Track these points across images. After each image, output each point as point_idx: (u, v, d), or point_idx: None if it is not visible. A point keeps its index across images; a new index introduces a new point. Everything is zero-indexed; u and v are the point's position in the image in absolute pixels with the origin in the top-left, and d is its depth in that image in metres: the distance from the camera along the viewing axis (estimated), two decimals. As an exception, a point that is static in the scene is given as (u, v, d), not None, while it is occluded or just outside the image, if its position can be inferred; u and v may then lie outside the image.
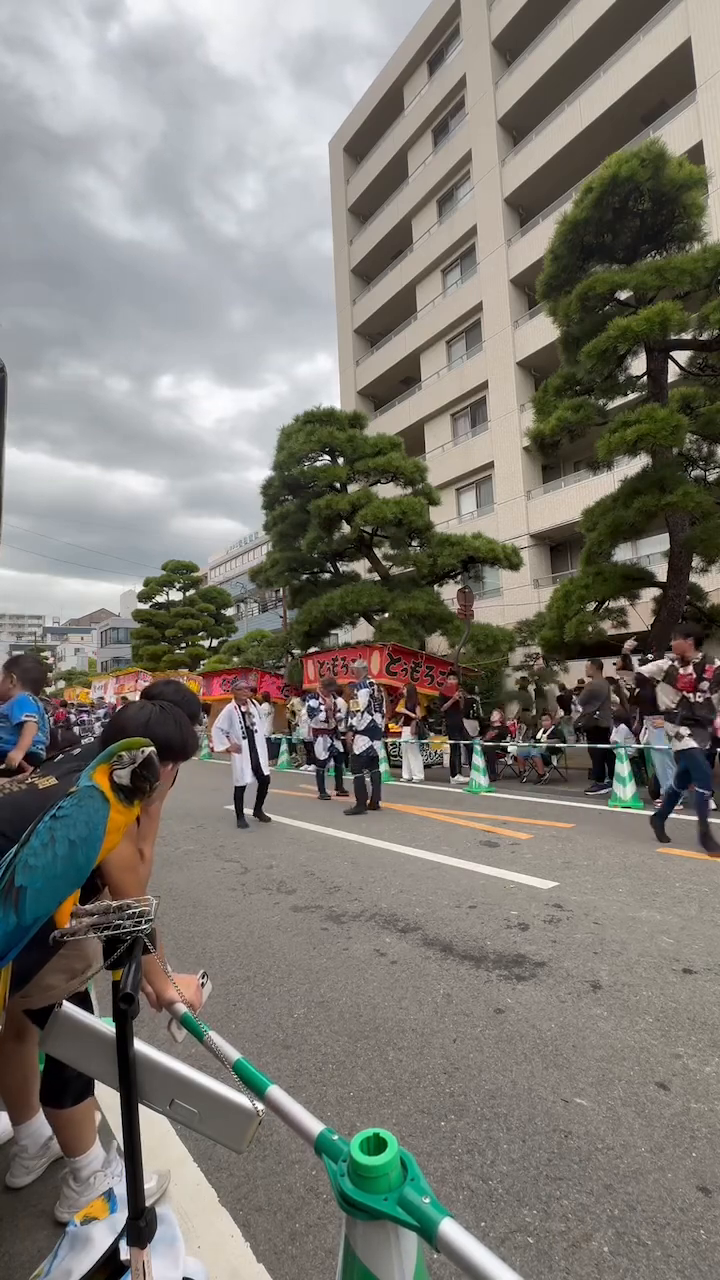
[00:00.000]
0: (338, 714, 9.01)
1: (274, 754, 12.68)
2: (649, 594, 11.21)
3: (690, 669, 5.44)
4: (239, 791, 7.18)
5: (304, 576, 18.47)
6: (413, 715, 11.03)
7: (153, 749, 1.31)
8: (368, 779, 7.70)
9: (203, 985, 1.64)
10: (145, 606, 33.96)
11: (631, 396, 11.16)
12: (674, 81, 16.64)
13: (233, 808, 7.27)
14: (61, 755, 1.74)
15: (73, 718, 18.86)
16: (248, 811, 7.23)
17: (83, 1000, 1.67)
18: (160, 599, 33.69)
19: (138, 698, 1.87)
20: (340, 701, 9.10)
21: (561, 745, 10.22)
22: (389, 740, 10.94)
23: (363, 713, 7.89)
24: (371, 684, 8.28)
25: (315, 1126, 0.98)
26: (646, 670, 5.88)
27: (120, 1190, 1.40)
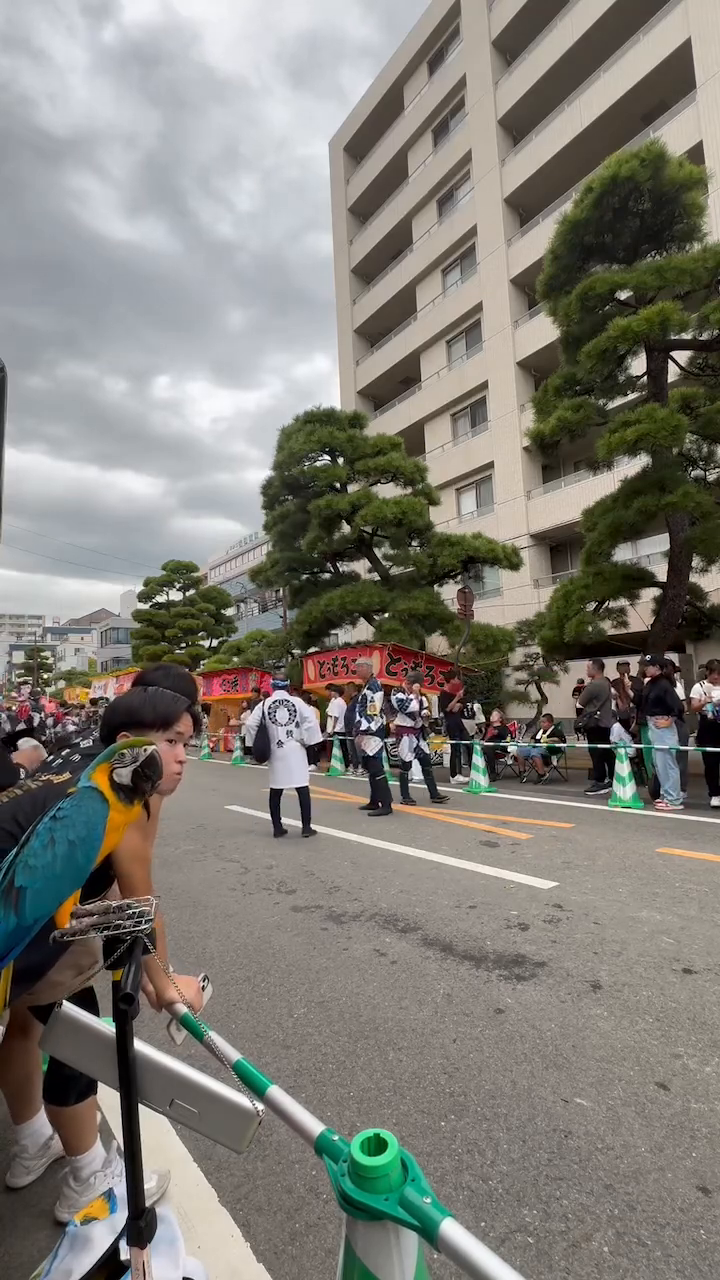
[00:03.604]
0: (424, 710, 8.68)
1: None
2: (649, 594, 11.20)
3: None
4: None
5: (304, 576, 18.47)
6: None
7: (155, 748, 1.31)
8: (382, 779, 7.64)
9: (203, 988, 1.63)
10: (145, 607, 33.97)
11: (631, 396, 11.16)
12: (674, 81, 16.64)
13: (238, 809, 7.11)
14: (64, 753, 1.74)
15: (76, 718, 18.92)
16: (291, 822, 6.73)
17: (88, 998, 1.67)
18: (160, 599, 33.70)
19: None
20: (421, 699, 8.92)
21: (561, 745, 10.23)
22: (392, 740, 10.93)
23: (379, 714, 7.84)
24: (380, 685, 8.25)
25: (316, 1127, 0.98)
26: None
27: (120, 1190, 1.40)
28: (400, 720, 8.57)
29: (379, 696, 7.89)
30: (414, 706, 8.49)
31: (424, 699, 9.05)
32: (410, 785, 8.55)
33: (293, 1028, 2.59)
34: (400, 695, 8.63)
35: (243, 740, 15.48)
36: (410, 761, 8.56)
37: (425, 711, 8.95)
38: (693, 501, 8.99)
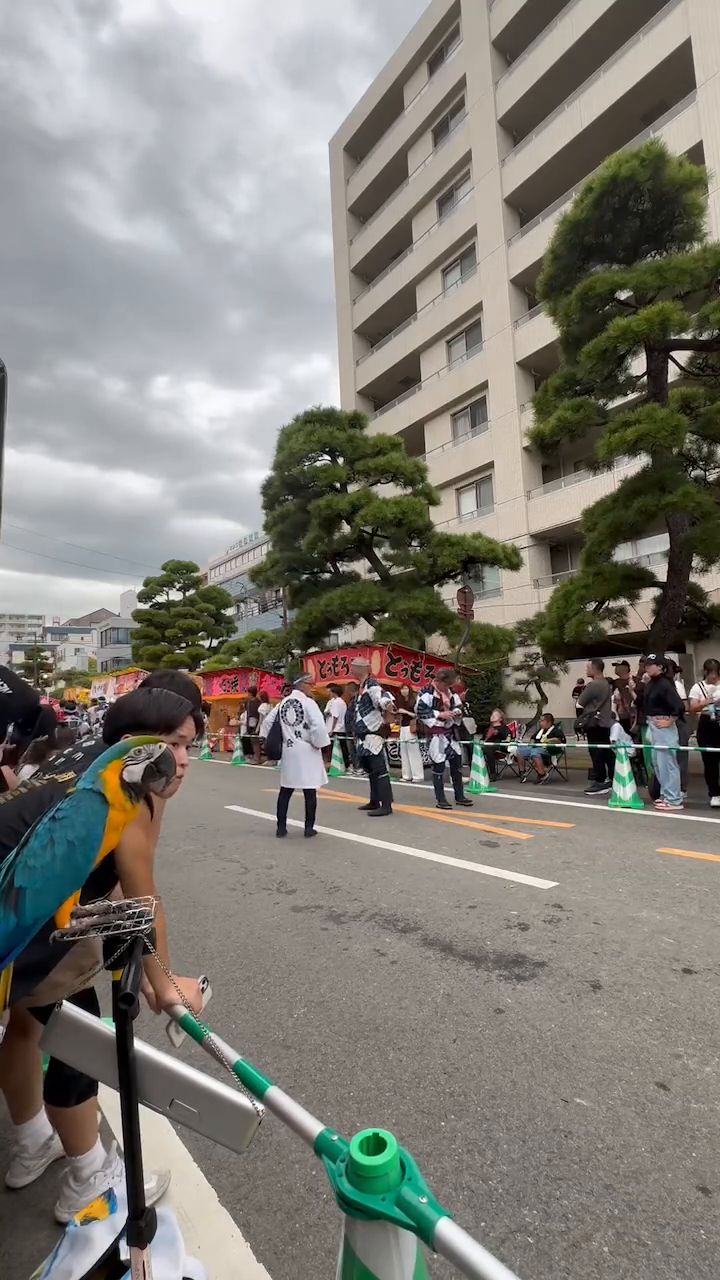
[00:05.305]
0: (455, 710, 8.51)
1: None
2: (649, 594, 11.20)
3: None
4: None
5: (304, 576, 18.47)
6: (412, 714, 11.02)
7: (167, 746, 1.32)
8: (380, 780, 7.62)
9: (203, 990, 1.63)
10: (145, 607, 33.97)
11: (631, 396, 11.16)
12: (674, 81, 16.63)
13: (238, 809, 7.14)
14: (67, 751, 1.74)
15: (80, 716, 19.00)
16: (292, 822, 6.75)
17: (88, 999, 1.68)
18: (160, 599, 33.69)
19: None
20: (458, 698, 8.77)
21: (561, 745, 10.23)
22: (392, 740, 10.93)
23: (376, 712, 7.81)
24: (379, 684, 8.22)
25: (315, 1127, 0.98)
26: None
27: (120, 1190, 1.40)
28: (431, 721, 8.26)
29: (378, 693, 7.88)
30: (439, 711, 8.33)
31: (455, 697, 8.81)
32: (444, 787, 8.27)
33: (293, 1028, 2.59)
34: (426, 697, 8.38)
35: (244, 741, 15.51)
36: (443, 762, 8.25)
37: (457, 710, 8.67)
38: (693, 501, 8.99)
